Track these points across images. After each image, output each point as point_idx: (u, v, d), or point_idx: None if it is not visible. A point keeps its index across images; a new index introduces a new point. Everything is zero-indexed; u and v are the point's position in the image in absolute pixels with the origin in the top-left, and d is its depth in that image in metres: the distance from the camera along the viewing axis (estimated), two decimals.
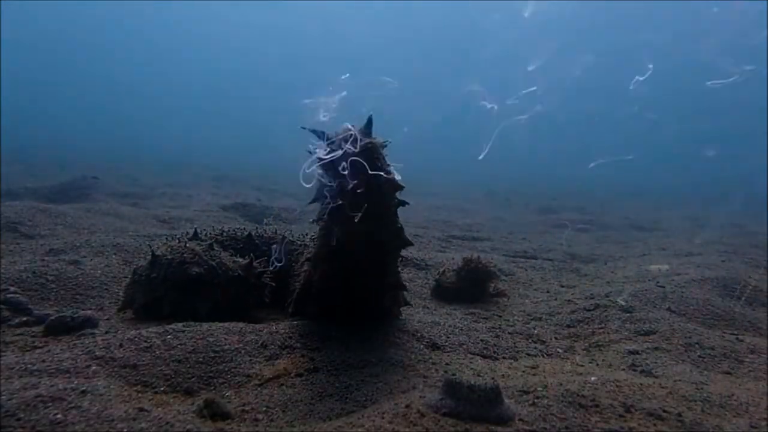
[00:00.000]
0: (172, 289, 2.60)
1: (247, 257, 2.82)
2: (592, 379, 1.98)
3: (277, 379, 1.98)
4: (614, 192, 17.59)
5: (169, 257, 2.66)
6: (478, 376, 2.14)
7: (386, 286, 2.49)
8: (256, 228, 3.36)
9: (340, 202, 1.98)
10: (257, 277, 2.78)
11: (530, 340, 2.79)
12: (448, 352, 2.43)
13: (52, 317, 2.38)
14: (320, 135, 1.98)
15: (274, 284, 2.85)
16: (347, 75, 2.04)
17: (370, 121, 2.02)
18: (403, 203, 2.21)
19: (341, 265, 2.31)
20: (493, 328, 2.92)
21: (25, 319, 2.44)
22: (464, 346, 2.52)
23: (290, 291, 2.80)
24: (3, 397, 1.51)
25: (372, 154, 1.97)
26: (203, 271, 2.62)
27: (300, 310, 2.61)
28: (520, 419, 1.59)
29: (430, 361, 2.24)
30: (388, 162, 2.08)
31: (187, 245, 2.75)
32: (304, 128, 1.99)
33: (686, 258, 5.50)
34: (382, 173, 1.98)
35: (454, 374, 2.11)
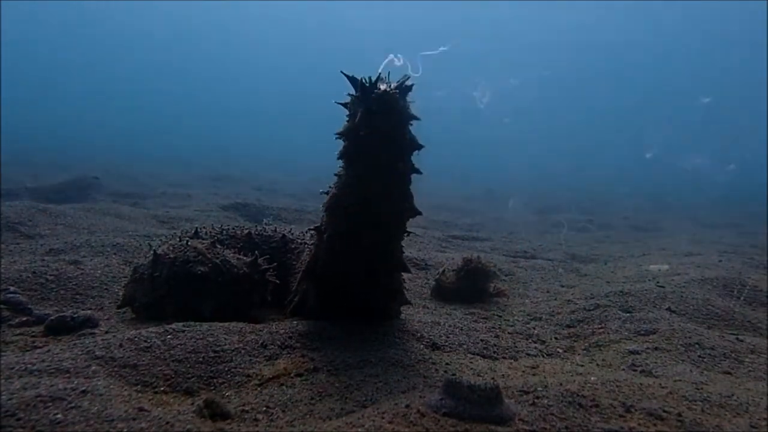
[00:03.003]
0: (176, 288, 2.56)
1: (250, 255, 2.79)
2: (592, 379, 1.99)
3: (277, 379, 1.98)
4: (614, 192, 17.58)
5: (172, 256, 2.61)
6: (478, 376, 2.14)
7: (391, 254, 2.47)
8: (256, 227, 3.35)
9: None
10: (262, 274, 2.75)
11: (530, 340, 2.79)
12: (448, 352, 2.43)
13: (52, 317, 2.38)
14: (353, 81, 2.15)
15: (278, 281, 2.83)
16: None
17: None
18: (418, 171, 2.29)
19: (354, 214, 2.30)
20: (493, 328, 2.92)
21: (25, 319, 2.44)
22: (464, 346, 2.52)
23: (290, 290, 2.79)
24: (3, 397, 1.51)
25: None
26: (208, 269, 2.58)
27: (303, 293, 2.61)
28: (520, 419, 1.59)
29: (430, 361, 2.24)
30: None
31: (190, 243, 2.71)
32: (342, 73, 2.16)
33: (686, 258, 5.50)
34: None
35: (454, 374, 2.11)
